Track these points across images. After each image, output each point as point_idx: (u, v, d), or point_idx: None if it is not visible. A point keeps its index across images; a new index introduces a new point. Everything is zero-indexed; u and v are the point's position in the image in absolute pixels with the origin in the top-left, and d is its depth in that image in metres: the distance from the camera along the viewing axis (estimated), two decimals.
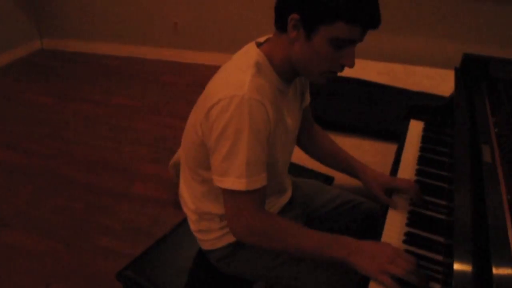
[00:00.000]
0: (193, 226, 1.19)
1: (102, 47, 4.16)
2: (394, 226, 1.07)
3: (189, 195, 1.16)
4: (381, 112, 2.36)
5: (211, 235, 1.15)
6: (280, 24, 0.94)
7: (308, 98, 1.24)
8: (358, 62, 3.19)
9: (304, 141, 1.33)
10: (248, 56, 0.98)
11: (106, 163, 2.54)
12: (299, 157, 1.70)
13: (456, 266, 0.74)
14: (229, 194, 0.95)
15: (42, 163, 2.55)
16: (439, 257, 0.95)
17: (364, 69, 2.97)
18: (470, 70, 1.49)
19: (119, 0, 3.90)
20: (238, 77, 0.93)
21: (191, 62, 3.94)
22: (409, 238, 1.02)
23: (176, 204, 2.19)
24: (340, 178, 1.76)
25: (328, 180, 1.71)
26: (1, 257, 1.89)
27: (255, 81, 0.92)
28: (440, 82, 2.72)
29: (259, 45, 1.01)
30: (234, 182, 0.91)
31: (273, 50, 0.98)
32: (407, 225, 1.07)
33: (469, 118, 1.25)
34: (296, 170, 1.71)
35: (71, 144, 2.74)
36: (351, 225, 1.32)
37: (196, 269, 1.22)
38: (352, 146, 2.14)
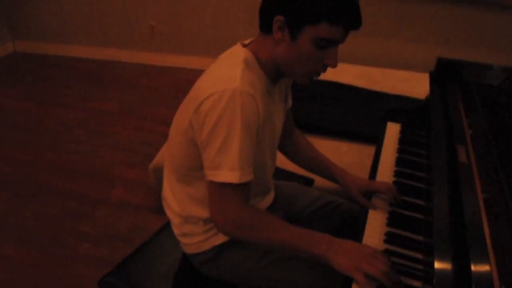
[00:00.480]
0: (176, 230, 1.19)
1: (77, 50, 4.09)
2: (375, 226, 1.10)
3: (174, 198, 1.16)
4: (359, 114, 2.41)
5: (194, 239, 1.15)
6: (265, 26, 0.97)
7: (290, 101, 1.26)
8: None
9: (285, 144, 1.35)
10: (235, 55, 1.00)
11: (84, 169, 2.50)
12: (279, 160, 1.72)
13: (437, 265, 0.77)
14: (217, 188, 0.95)
15: (18, 169, 2.48)
16: (419, 255, 0.98)
17: (341, 72, 3.01)
18: (444, 74, 1.55)
19: (94, 3, 3.84)
20: (228, 72, 0.95)
21: (168, 66, 3.92)
22: (390, 238, 1.05)
23: (156, 209, 2.19)
24: (320, 180, 1.79)
25: (308, 182, 1.73)
26: None
27: (246, 75, 0.94)
28: (416, 85, 2.79)
29: (244, 46, 1.03)
30: (228, 175, 0.92)
31: (258, 50, 1.00)
32: (387, 225, 1.10)
33: (444, 120, 1.29)
34: (277, 172, 1.73)
35: (47, 149, 2.69)
36: (332, 226, 1.34)
37: (180, 274, 1.22)
38: (331, 148, 2.18)
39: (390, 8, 3.30)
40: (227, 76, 0.94)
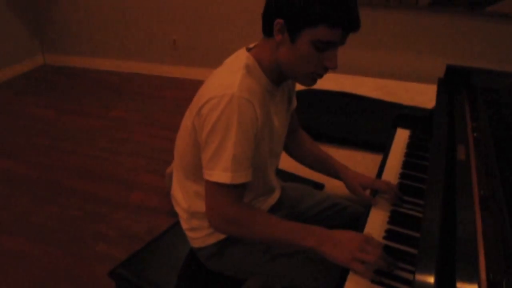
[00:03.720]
0: (184, 225, 1.24)
1: (103, 63, 4.26)
2: (376, 223, 1.12)
3: (182, 195, 1.21)
4: (373, 124, 2.43)
5: (201, 233, 1.19)
6: (267, 29, 1.01)
7: (295, 102, 1.30)
8: (353, 78, 3.29)
9: (289, 144, 1.38)
10: (238, 60, 1.05)
11: (105, 174, 2.59)
12: (290, 164, 1.76)
13: (421, 265, 0.78)
14: (212, 186, 1.00)
15: (42, 172, 2.60)
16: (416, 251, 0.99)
17: (359, 85, 3.05)
18: (452, 80, 1.56)
19: (120, 18, 4.02)
20: (228, 78, 1.00)
21: (189, 78, 4.04)
22: (389, 235, 1.06)
23: (171, 213, 2.24)
24: (331, 185, 1.82)
25: (318, 186, 1.76)
26: (0, 261, 1.94)
27: (244, 81, 0.98)
28: (433, 97, 2.78)
29: (249, 50, 1.08)
30: (220, 175, 0.97)
31: (261, 53, 1.05)
32: (388, 222, 1.12)
33: (448, 122, 1.31)
34: (287, 176, 1.77)
35: (70, 155, 2.80)
36: (337, 227, 1.36)
37: (186, 267, 1.26)
38: (345, 157, 2.19)
39: (411, 22, 3.31)
40: (227, 81, 0.98)
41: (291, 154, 1.42)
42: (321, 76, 1.03)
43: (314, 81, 1.05)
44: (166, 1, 3.83)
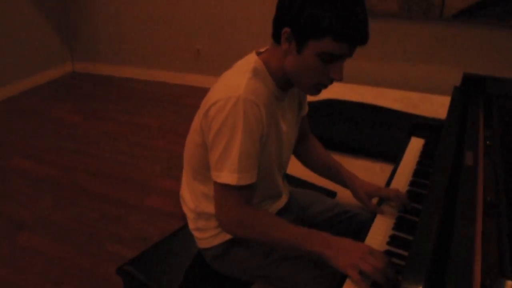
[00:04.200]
0: (191, 225, 1.25)
1: (129, 71, 4.38)
2: (380, 229, 1.10)
3: (189, 195, 1.23)
4: (391, 135, 2.40)
5: (207, 233, 1.20)
6: (276, 36, 1.02)
7: (306, 108, 1.30)
8: (374, 90, 3.26)
9: (299, 150, 1.39)
10: (247, 63, 1.07)
11: (123, 177, 2.65)
12: (304, 172, 1.76)
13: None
14: (220, 188, 1.01)
15: (64, 174, 2.68)
16: None
17: (380, 96, 3.03)
18: (468, 88, 1.53)
19: (146, 27, 4.13)
20: (235, 80, 1.01)
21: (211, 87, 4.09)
22: (393, 240, 1.05)
23: (184, 218, 2.26)
24: (343, 194, 1.80)
25: (331, 194, 1.74)
26: (18, 258, 2.00)
27: (251, 84, 1.00)
28: None
29: (258, 54, 1.10)
30: (228, 176, 0.98)
31: (270, 59, 1.06)
32: (393, 228, 1.10)
33: (460, 129, 1.28)
34: (299, 183, 1.76)
35: (92, 158, 2.88)
36: (345, 234, 1.34)
37: (192, 267, 1.28)
38: (364, 168, 2.19)
39: (435, 34, 3.27)
40: (234, 84, 1.00)
41: (301, 160, 1.42)
42: (325, 86, 1.03)
43: (318, 92, 1.05)
44: (191, 12, 3.92)
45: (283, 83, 1.08)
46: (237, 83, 1.00)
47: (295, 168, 1.88)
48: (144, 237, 2.12)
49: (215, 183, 1.02)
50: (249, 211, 1.02)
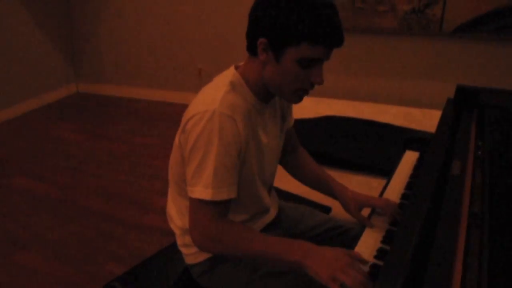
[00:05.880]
0: (178, 241, 1.24)
1: (131, 91, 4.44)
2: (368, 242, 1.08)
3: (175, 212, 1.22)
4: (390, 150, 2.38)
5: (193, 249, 1.18)
6: (251, 48, 1.02)
7: (291, 121, 1.29)
8: (375, 106, 3.27)
9: (287, 161, 1.37)
10: (224, 77, 1.07)
11: (123, 196, 2.65)
12: (297, 187, 1.73)
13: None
14: (194, 203, 0.99)
15: (63, 193, 2.69)
16: None
17: (381, 113, 3.02)
18: (462, 99, 1.52)
19: (148, 48, 4.20)
20: (212, 94, 1.01)
21: None
22: (380, 254, 1.02)
23: None
24: (339, 210, 1.78)
25: (325, 210, 1.72)
26: (15, 276, 1.99)
27: (227, 98, 0.99)
28: None
29: (236, 68, 1.10)
30: (202, 191, 0.96)
31: (247, 71, 1.06)
32: (382, 242, 1.08)
33: (450, 139, 1.26)
34: (293, 198, 1.74)
35: (93, 177, 2.89)
36: None
37: (181, 284, 1.25)
38: (360, 183, 2.17)
39: (435, 49, 3.27)
40: (210, 97, 1.00)
41: (290, 172, 1.40)
42: (307, 92, 1.03)
43: (300, 98, 1.04)
44: (192, 32, 3.98)
45: (263, 95, 1.07)
46: (213, 97, 1.00)
47: (290, 183, 1.86)
48: (141, 255, 2.10)
49: (190, 199, 1.00)
50: (223, 225, 1.00)
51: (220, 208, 0.99)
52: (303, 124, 2.79)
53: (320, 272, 0.89)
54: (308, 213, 1.41)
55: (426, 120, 2.93)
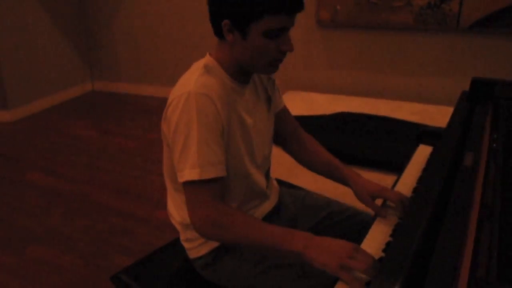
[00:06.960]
0: (181, 236, 1.23)
1: (145, 89, 4.47)
2: (377, 235, 1.05)
3: (174, 208, 1.21)
4: (404, 146, 2.34)
5: (195, 243, 1.17)
6: (218, 32, 1.03)
7: (280, 102, 1.29)
8: (390, 103, 3.22)
9: (292, 146, 1.35)
10: (199, 63, 1.09)
11: (135, 191, 2.66)
12: (304, 180, 1.71)
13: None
14: (186, 187, 0.98)
15: (76, 187, 2.72)
16: None
17: (396, 110, 2.98)
18: (477, 92, 1.48)
19: (162, 47, 4.23)
20: (186, 79, 1.03)
21: None
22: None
23: None
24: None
25: None
26: (27, 269, 2.02)
27: (201, 79, 1.01)
28: None
29: (211, 54, 1.10)
30: (190, 173, 0.95)
31: (219, 54, 1.07)
32: (391, 235, 1.05)
33: (464, 131, 1.23)
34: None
35: (105, 172, 2.91)
36: (341, 236, 1.28)
37: (185, 277, 1.25)
38: (375, 180, 2.13)
39: (452, 45, 3.21)
40: (185, 82, 1.02)
41: (297, 159, 1.36)
42: (281, 61, 1.05)
43: (276, 68, 1.06)
44: (204, 31, 3.98)
45: (238, 75, 1.08)
46: (188, 80, 1.02)
47: (297, 177, 1.84)
48: (151, 249, 2.10)
49: (182, 185, 0.99)
50: (222, 208, 0.98)
51: (212, 188, 0.97)
52: (317, 120, 2.76)
53: (327, 262, 0.86)
54: (309, 195, 1.38)
55: (442, 117, 2.86)
